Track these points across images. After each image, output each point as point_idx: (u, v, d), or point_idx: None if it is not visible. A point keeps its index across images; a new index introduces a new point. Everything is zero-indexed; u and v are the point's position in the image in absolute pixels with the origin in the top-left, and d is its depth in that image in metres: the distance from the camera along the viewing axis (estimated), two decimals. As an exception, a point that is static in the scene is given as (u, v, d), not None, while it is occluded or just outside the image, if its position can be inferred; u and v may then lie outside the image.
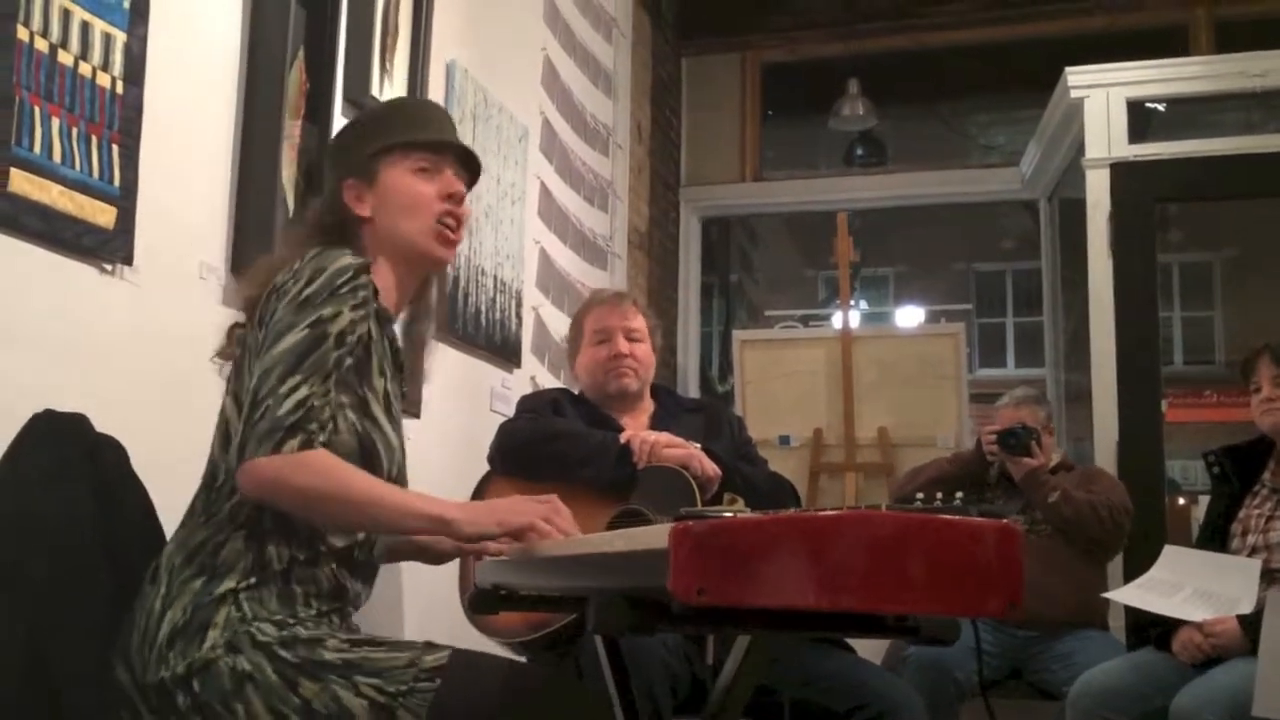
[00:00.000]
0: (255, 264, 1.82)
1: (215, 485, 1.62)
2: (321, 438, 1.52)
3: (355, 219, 1.80)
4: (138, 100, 2.09)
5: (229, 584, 1.54)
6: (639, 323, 2.84)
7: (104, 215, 2.01)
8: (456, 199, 1.81)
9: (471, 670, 1.49)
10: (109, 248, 2.02)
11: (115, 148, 2.04)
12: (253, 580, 1.55)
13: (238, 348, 1.69)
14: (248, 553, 1.56)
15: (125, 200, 2.05)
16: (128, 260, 2.06)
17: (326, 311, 1.57)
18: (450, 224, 1.80)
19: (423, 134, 1.83)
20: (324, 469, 1.52)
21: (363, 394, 1.64)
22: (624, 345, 2.78)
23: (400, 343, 1.83)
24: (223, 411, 1.67)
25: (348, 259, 1.63)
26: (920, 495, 2.85)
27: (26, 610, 1.40)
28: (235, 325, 1.75)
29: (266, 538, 1.58)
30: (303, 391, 1.52)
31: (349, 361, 1.61)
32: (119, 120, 2.05)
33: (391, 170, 1.81)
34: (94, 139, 2.00)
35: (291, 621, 1.54)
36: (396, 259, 1.80)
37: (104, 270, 2.03)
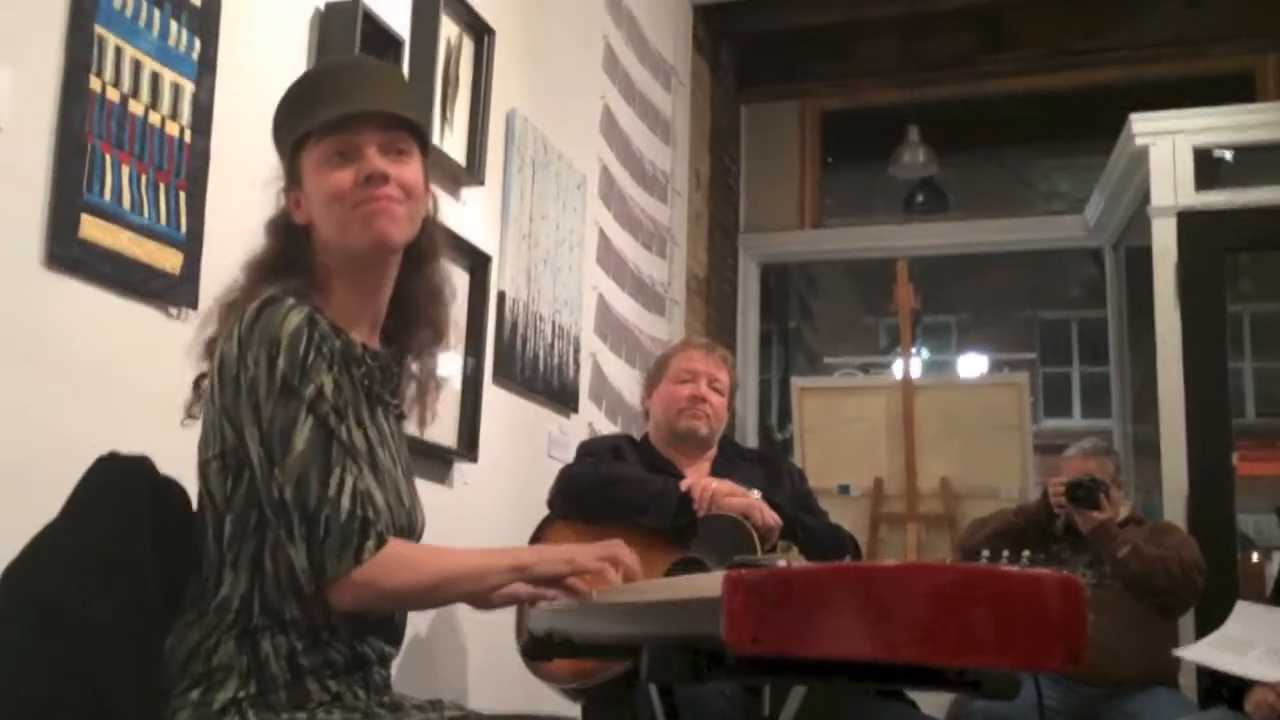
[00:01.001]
0: (217, 302, 1.62)
1: (202, 575, 1.52)
2: (380, 523, 1.45)
3: (301, 230, 1.60)
4: (205, 149, 2.14)
5: (228, 693, 1.44)
6: (724, 376, 2.88)
7: (170, 260, 2.05)
8: (376, 179, 1.53)
9: None
10: (175, 293, 2.06)
11: (182, 195, 2.09)
12: (253, 688, 1.44)
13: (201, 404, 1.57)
14: (241, 655, 1.45)
15: (191, 246, 2.10)
16: (193, 304, 2.10)
17: (311, 391, 1.44)
18: (373, 209, 1.54)
19: (325, 113, 1.55)
20: (406, 563, 1.45)
21: None
22: (705, 389, 2.81)
23: (382, 362, 1.63)
24: (200, 496, 1.54)
25: (292, 318, 1.46)
26: (986, 553, 2.82)
27: (91, 654, 1.40)
28: (201, 376, 1.59)
29: (259, 635, 1.46)
30: (348, 483, 1.43)
31: (354, 426, 1.50)
32: (186, 168, 2.11)
33: (308, 166, 1.58)
34: (162, 186, 2.05)
35: (302, 718, 1.45)
36: (345, 264, 1.58)
37: (169, 314, 2.07)
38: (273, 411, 1.43)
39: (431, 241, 1.68)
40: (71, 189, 1.88)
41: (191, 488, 1.64)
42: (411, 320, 1.68)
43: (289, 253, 1.59)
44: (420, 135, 1.62)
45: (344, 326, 1.56)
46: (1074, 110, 5.69)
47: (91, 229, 1.91)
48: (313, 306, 1.51)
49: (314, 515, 1.41)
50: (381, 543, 1.43)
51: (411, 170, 1.58)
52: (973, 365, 12.27)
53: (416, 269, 1.67)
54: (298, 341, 1.45)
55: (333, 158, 1.55)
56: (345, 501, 1.42)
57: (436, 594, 1.52)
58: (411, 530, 1.61)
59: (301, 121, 1.57)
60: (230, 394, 1.48)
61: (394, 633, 1.62)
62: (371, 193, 1.53)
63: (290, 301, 1.48)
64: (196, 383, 1.59)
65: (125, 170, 1.98)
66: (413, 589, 1.47)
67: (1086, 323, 13.47)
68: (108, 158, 1.94)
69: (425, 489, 2.80)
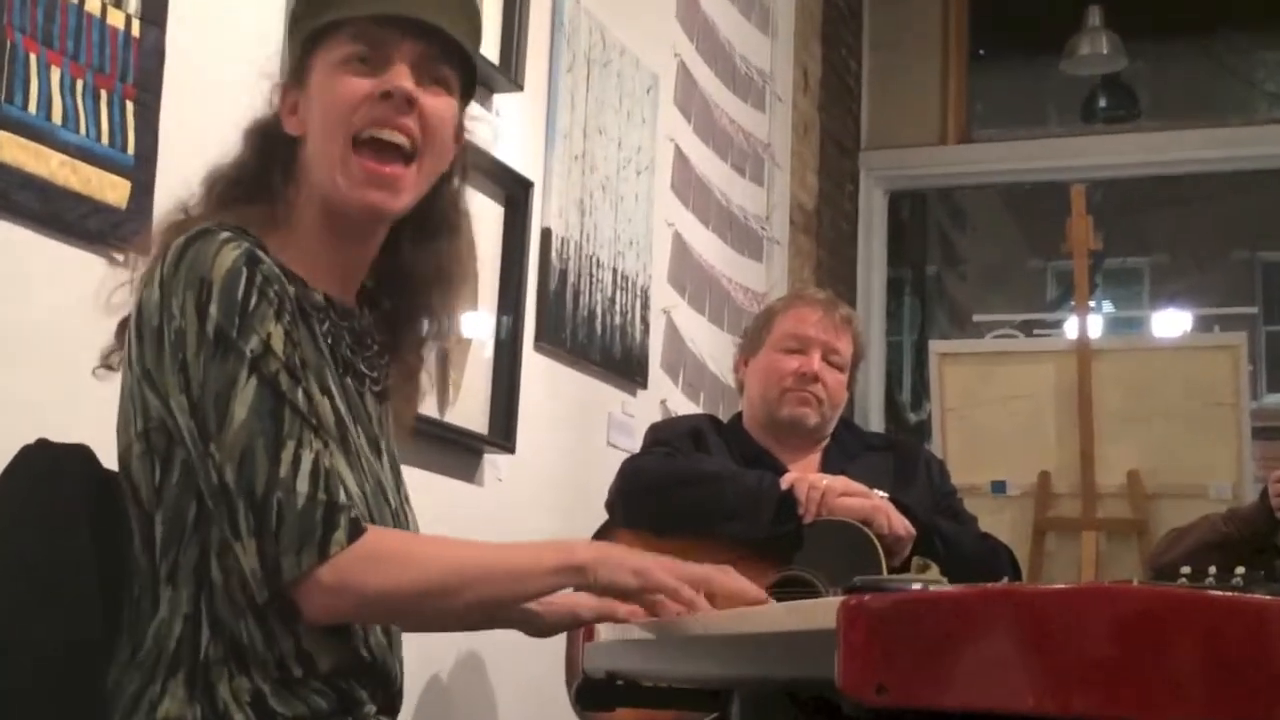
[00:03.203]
0: (159, 229, 1.64)
1: (134, 598, 1.52)
2: (355, 509, 1.44)
3: (287, 141, 1.61)
4: (158, 45, 2.15)
5: None
6: (845, 346, 2.84)
7: (115, 191, 2.07)
8: (398, 100, 1.54)
9: None
10: (121, 231, 2.07)
11: (129, 105, 2.10)
12: None
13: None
14: (193, 705, 1.44)
15: (142, 171, 2.11)
16: (145, 247, 2.10)
17: (255, 344, 1.43)
18: (379, 136, 1.54)
19: (361, 6, 1.56)
20: (393, 556, 1.45)
21: None
22: (818, 365, 2.77)
23: (355, 324, 1.65)
24: (124, 494, 1.54)
25: (227, 253, 1.45)
26: (1187, 571, 2.79)
27: (16, 692, 1.43)
28: (127, 320, 1.59)
29: (214, 674, 1.45)
30: (305, 460, 1.42)
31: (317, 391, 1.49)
32: (134, 71, 2.11)
33: (319, 64, 1.58)
34: (103, 94, 2.06)
35: None
36: (323, 206, 1.59)
37: (114, 260, 2.07)
38: (205, 372, 1.42)
39: (446, 210, 1.68)
40: (-14, 99, 1.89)
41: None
42: (410, 303, 1.70)
43: (263, 169, 1.60)
44: (468, 73, 1.64)
45: (304, 274, 1.57)
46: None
47: (13, 150, 1.92)
48: (262, 243, 1.50)
49: (263, 501, 1.40)
50: (356, 531, 1.42)
51: (443, 106, 1.59)
52: (1171, 323, 12.15)
53: (422, 239, 1.66)
54: (235, 283, 1.44)
55: (352, 61, 1.56)
56: (302, 483, 1.41)
57: (448, 599, 1.50)
58: None
59: (327, 9, 1.58)
60: (152, 352, 1.48)
61: (388, 676, 1.60)
62: (387, 116, 1.54)
63: (225, 234, 1.47)
64: (121, 326, 1.59)
65: (55, 74, 1.99)
66: (408, 591, 1.46)
67: (1325, 267, 13.26)
68: (32, 58, 1.95)
69: (448, 487, 2.84)
